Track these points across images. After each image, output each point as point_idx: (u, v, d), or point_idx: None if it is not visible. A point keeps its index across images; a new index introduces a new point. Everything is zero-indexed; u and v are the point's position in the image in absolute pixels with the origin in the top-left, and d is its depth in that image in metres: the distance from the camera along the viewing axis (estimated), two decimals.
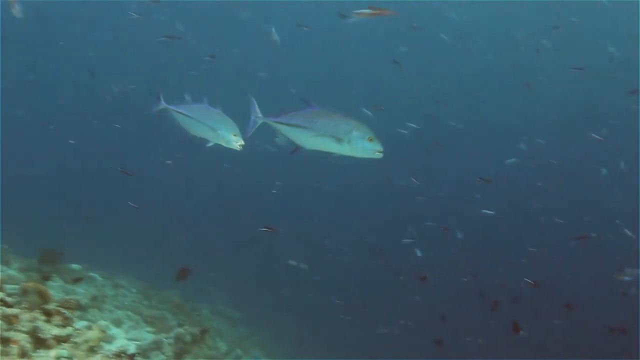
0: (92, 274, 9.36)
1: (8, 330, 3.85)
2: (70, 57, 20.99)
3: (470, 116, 19.48)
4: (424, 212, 13.82)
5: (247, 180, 17.00)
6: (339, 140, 4.31)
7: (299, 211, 16.59)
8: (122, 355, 4.38)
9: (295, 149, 4.59)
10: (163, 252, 12.41)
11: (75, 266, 9.08)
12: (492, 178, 10.10)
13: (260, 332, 11.40)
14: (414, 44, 18.27)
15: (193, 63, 17.46)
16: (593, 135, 12.21)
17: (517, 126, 19.71)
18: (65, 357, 3.99)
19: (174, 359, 6.70)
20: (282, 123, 4.55)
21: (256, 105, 4.73)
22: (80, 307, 6.60)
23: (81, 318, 6.74)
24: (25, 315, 4.01)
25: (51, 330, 4.04)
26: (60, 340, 4.10)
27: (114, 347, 5.30)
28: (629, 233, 11.12)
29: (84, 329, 4.41)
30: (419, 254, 10.50)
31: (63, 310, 4.30)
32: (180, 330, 7.11)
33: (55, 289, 7.66)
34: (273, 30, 11.22)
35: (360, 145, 4.27)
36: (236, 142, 4.91)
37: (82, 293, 7.99)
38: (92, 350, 4.23)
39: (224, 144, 5.01)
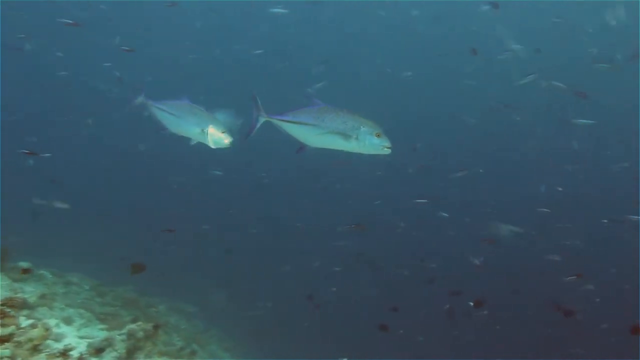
0: (42, 271, 9.13)
1: None
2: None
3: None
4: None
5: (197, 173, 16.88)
6: (346, 137, 4.23)
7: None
8: (68, 353, 4.33)
9: (301, 147, 4.47)
10: (117, 248, 12.21)
11: (23, 264, 8.84)
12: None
13: (217, 327, 11.36)
14: None
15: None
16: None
17: None
18: (7, 357, 3.92)
19: (127, 356, 6.62)
20: (287, 121, 4.43)
21: (259, 103, 4.58)
22: (27, 306, 6.44)
23: (29, 317, 6.57)
24: None
25: None
26: (2, 339, 4.02)
27: (61, 346, 5.22)
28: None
29: (28, 328, 4.34)
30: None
31: (7, 309, 4.22)
32: (133, 326, 7.01)
33: (3, 287, 7.46)
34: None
35: (369, 142, 4.22)
36: (225, 140, 4.76)
37: (30, 291, 7.79)
38: (36, 349, 4.17)
39: (209, 143, 4.84)
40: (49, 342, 5.11)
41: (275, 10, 13.98)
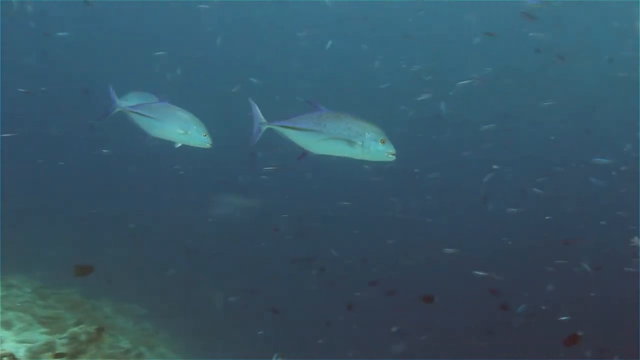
0: None
1: None
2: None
3: None
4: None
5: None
6: (350, 143, 4.14)
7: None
8: (3, 359, 4.19)
9: (303, 154, 4.36)
10: (62, 249, 11.87)
11: None
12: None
13: (167, 328, 11.20)
14: None
15: None
16: None
17: None
18: None
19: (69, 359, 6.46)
20: (289, 127, 4.31)
21: (258, 110, 4.43)
22: None
23: None
24: None
25: None
26: None
27: None
28: None
29: None
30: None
31: None
32: (76, 329, 6.85)
33: None
34: None
35: (373, 148, 4.14)
36: (207, 142, 4.73)
37: None
38: None
39: (192, 144, 4.78)
40: None
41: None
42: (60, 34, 14.82)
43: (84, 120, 14.19)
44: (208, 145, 4.78)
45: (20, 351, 6.23)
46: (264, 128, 4.40)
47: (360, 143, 4.11)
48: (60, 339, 6.71)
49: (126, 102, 5.21)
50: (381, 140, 4.13)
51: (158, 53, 15.28)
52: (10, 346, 6.39)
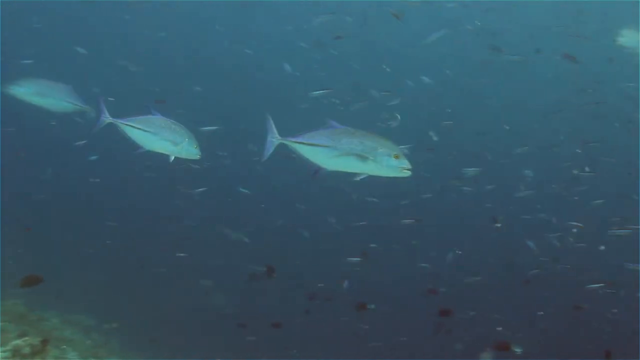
0: None
1: None
2: None
3: None
4: None
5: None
6: (363, 158, 4.08)
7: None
8: None
9: (316, 170, 4.28)
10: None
11: None
12: None
13: (118, 339, 11.04)
14: None
15: None
16: None
17: None
18: None
19: None
20: (302, 143, 4.24)
21: (273, 125, 4.36)
22: None
23: None
24: None
25: None
26: None
27: None
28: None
29: None
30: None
31: None
32: (19, 341, 6.71)
33: None
34: None
35: (386, 163, 4.07)
36: (197, 154, 4.79)
37: None
38: None
39: (183, 156, 4.81)
40: None
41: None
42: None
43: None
44: (197, 157, 4.83)
45: None
46: (276, 143, 4.34)
47: (372, 158, 4.06)
48: (3, 352, 6.56)
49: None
50: (395, 155, 4.07)
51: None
52: None
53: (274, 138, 4.33)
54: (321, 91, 10.32)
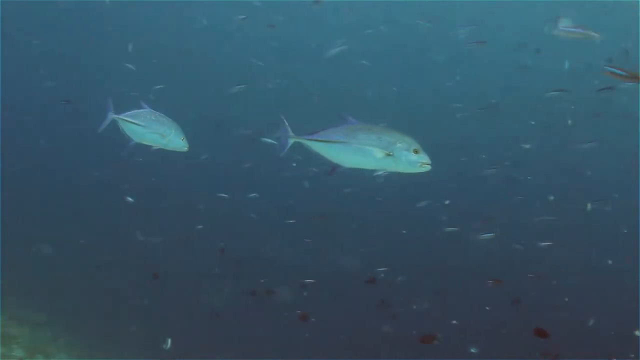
0: None
1: None
2: None
3: None
4: None
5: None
6: (382, 154, 3.98)
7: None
8: None
9: (333, 168, 4.17)
10: None
11: None
12: None
13: (67, 335, 10.83)
14: None
15: None
16: None
17: None
18: None
19: None
20: (318, 140, 4.13)
21: (287, 124, 4.27)
22: None
23: None
24: None
25: None
26: None
27: None
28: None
29: None
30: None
31: None
32: None
33: None
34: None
35: (405, 159, 3.94)
36: (184, 146, 4.93)
37: None
38: None
39: (171, 148, 4.97)
40: None
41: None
42: None
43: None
44: (185, 149, 4.97)
45: None
46: (291, 142, 4.26)
47: (391, 153, 3.96)
48: None
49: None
50: (414, 150, 3.95)
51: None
52: None
53: (289, 137, 4.27)
54: (338, 48, 10.24)
